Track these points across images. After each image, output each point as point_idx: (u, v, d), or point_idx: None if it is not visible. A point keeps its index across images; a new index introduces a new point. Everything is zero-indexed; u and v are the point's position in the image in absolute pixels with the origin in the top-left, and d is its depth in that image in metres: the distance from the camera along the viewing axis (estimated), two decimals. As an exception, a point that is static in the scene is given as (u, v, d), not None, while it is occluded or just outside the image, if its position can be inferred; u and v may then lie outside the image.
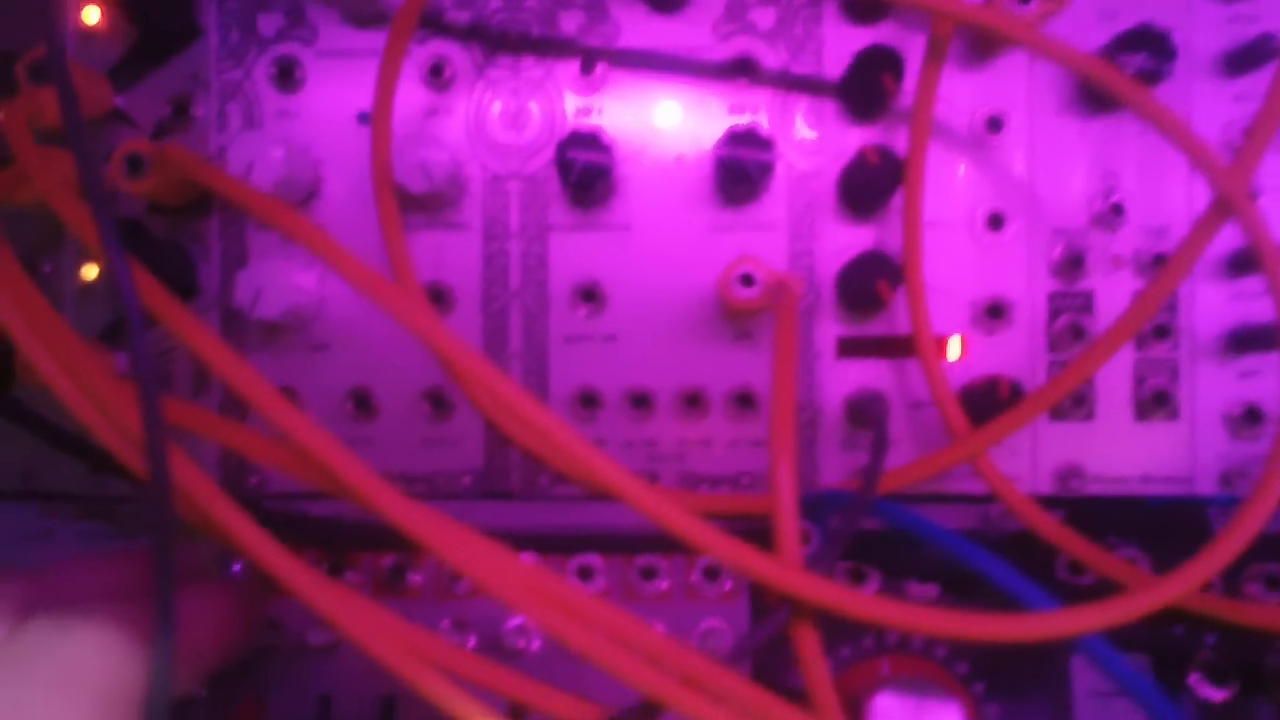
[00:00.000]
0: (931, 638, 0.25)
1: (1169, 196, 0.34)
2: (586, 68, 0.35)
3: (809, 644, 0.26)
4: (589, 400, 0.35)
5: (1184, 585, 0.25)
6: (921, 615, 0.25)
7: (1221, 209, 0.29)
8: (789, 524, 0.26)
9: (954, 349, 0.34)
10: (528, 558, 0.33)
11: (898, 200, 0.34)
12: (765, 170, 0.33)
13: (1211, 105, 0.34)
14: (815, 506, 0.29)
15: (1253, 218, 0.29)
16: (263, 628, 0.33)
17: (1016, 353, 0.34)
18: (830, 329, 0.35)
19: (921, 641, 0.32)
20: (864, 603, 0.25)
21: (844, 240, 0.34)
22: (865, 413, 0.32)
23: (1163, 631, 0.32)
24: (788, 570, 0.25)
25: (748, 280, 0.31)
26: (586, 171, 0.33)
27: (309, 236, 0.28)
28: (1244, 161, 0.29)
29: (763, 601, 0.33)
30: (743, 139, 0.33)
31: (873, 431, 0.30)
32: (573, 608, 0.25)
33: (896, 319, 0.34)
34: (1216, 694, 0.31)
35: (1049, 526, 0.30)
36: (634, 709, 0.25)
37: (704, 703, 0.25)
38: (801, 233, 0.35)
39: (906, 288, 0.32)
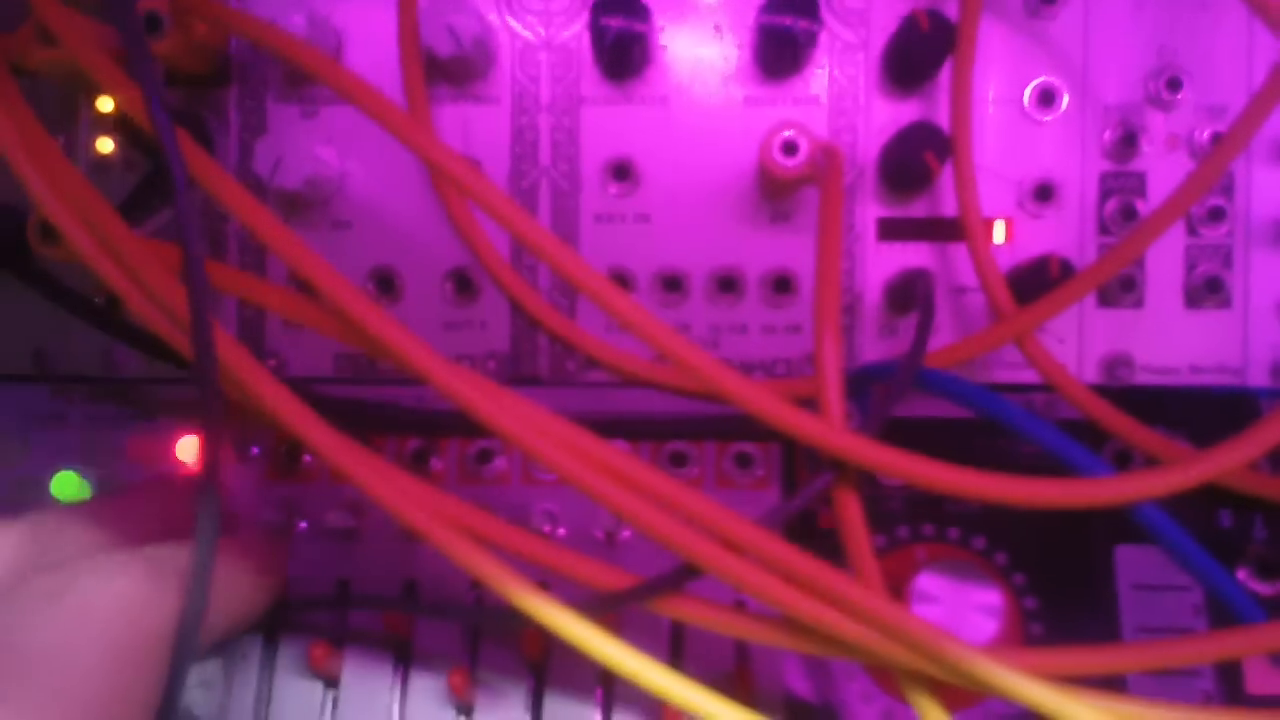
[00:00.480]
0: (981, 502, 0.24)
1: (1227, 75, 0.32)
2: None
3: (851, 508, 0.25)
4: (620, 282, 0.33)
5: (1239, 456, 0.24)
6: (971, 478, 0.24)
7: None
8: (834, 388, 0.25)
9: (999, 232, 0.33)
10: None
11: (944, 78, 0.33)
12: (811, 38, 0.31)
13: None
14: (858, 383, 0.28)
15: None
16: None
17: (1066, 235, 0.33)
18: (871, 210, 0.33)
19: (959, 532, 0.31)
20: (909, 462, 0.24)
21: (888, 116, 0.33)
22: (911, 287, 0.31)
23: (1211, 523, 0.31)
24: (834, 431, 0.24)
25: (790, 148, 0.30)
26: (621, 39, 0.32)
27: (342, 80, 0.27)
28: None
29: (795, 487, 0.32)
30: (787, 4, 0.31)
31: (919, 301, 0.28)
32: (608, 466, 0.24)
33: (940, 202, 0.33)
34: (1264, 588, 0.30)
35: (1100, 409, 0.29)
36: (669, 573, 0.24)
37: (745, 567, 0.24)
38: (844, 108, 0.33)
39: (954, 163, 0.31)
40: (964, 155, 0.31)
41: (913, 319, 0.33)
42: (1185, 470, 0.24)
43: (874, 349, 0.33)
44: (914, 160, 0.31)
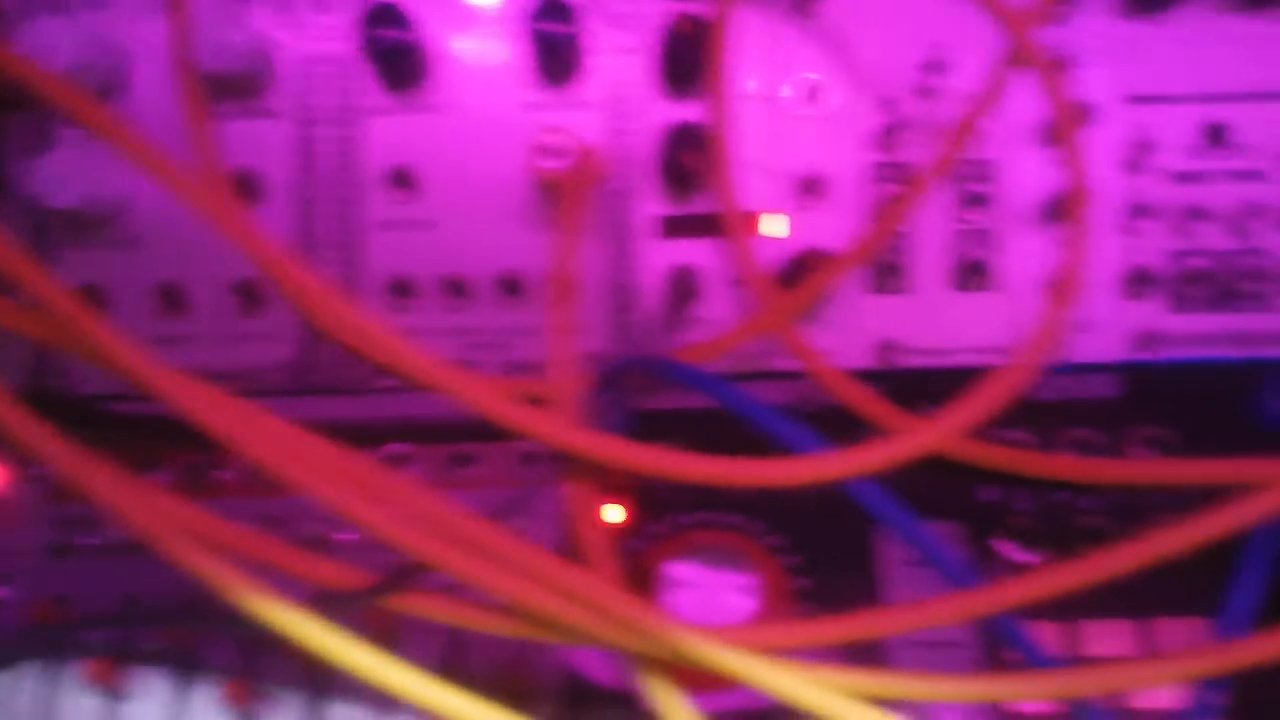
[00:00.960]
0: (700, 484, 0.25)
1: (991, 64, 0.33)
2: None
3: (579, 499, 0.25)
4: (404, 289, 0.34)
5: (953, 424, 0.25)
6: (688, 462, 0.24)
7: (1018, 57, 0.29)
8: (564, 380, 0.26)
9: (777, 225, 0.34)
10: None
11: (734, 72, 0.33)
12: (571, 42, 0.32)
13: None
14: (615, 378, 0.29)
15: (1045, 67, 0.28)
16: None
17: (842, 226, 0.33)
18: (654, 208, 0.34)
19: (739, 517, 0.32)
20: (629, 451, 0.24)
21: (668, 116, 0.33)
22: (677, 283, 0.32)
23: (973, 497, 0.32)
24: (557, 426, 0.25)
25: (552, 152, 0.31)
26: (394, 49, 0.32)
27: (105, 125, 0.27)
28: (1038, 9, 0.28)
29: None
30: (549, 11, 0.32)
31: (667, 298, 0.29)
32: (337, 468, 0.25)
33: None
34: (1025, 557, 0.31)
35: (853, 393, 0.30)
36: (396, 570, 0.25)
37: (470, 561, 0.24)
38: (622, 110, 0.34)
39: (713, 161, 0.32)
40: (721, 155, 0.31)
41: (691, 313, 0.33)
42: (899, 443, 0.25)
43: (658, 344, 0.34)
44: (675, 164, 0.32)
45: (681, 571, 0.28)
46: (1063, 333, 0.27)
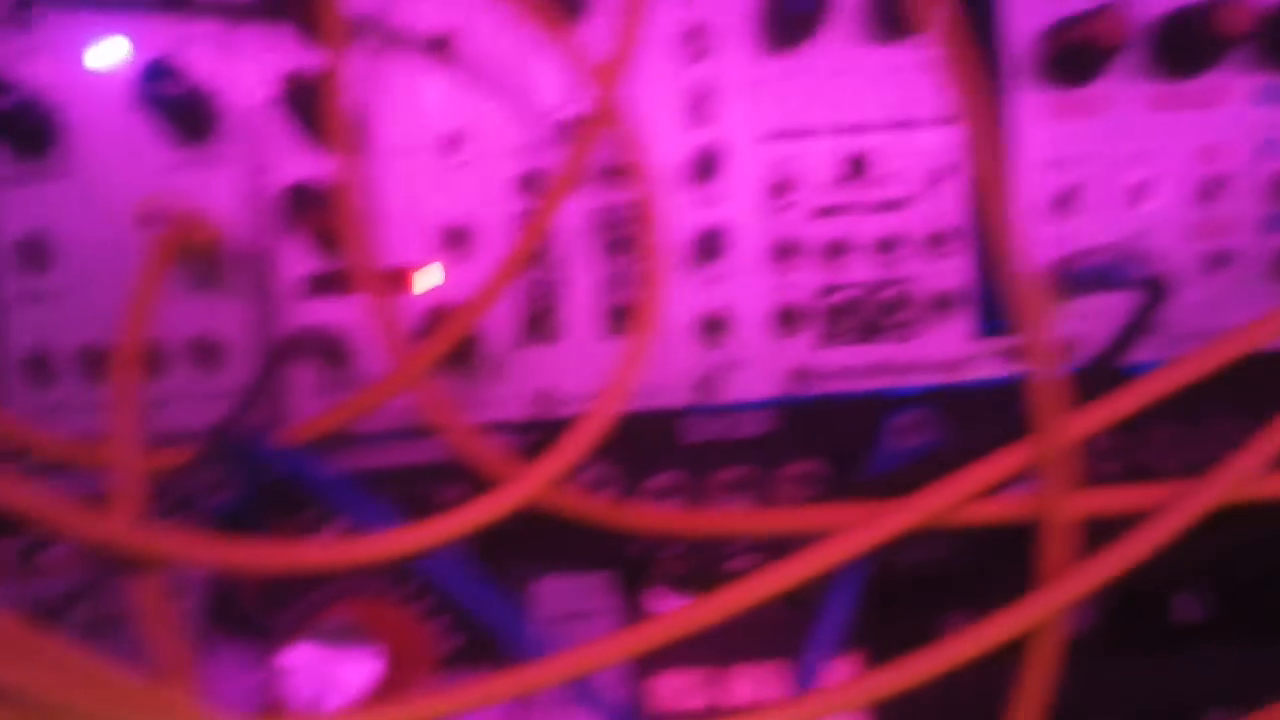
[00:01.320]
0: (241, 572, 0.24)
1: (636, 107, 0.33)
2: (21, 5, 0.33)
3: (139, 598, 0.24)
4: (42, 364, 0.32)
5: (538, 479, 0.25)
6: (230, 550, 0.23)
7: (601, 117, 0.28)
8: (124, 477, 0.25)
9: (431, 278, 0.33)
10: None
11: (373, 126, 0.33)
12: (190, 101, 0.31)
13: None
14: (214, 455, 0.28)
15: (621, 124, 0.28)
16: None
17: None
18: (300, 267, 0.33)
19: (387, 580, 0.31)
20: (177, 543, 0.23)
21: (312, 171, 0.32)
22: (323, 343, 0.31)
23: (620, 552, 0.31)
24: (101, 524, 0.24)
25: (155, 219, 0.29)
26: (8, 116, 0.31)
27: None
28: (616, 60, 0.28)
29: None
30: (156, 74, 0.31)
31: (261, 369, 0.28)
32: None
33: (377, 254, 0.33)
34: (677, 603, 0.31)
35: (478, 450, 0.29)
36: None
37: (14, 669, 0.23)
38: (260, 166, 0.33)
39: (342, 218, 0.31)
40: (349, 209, 0.30)
41: (350, 375, 0.33)
42: (475, 509, 0.24)
43: (316, 405, 0.33)
44: (304, 222, 0.31)
45: (299, 658, 0.27)
46: (636, 374, 0.27)
